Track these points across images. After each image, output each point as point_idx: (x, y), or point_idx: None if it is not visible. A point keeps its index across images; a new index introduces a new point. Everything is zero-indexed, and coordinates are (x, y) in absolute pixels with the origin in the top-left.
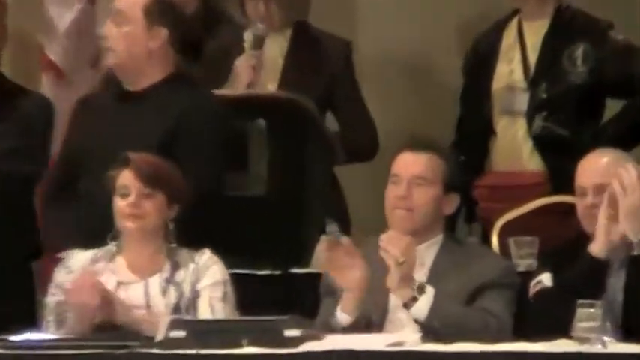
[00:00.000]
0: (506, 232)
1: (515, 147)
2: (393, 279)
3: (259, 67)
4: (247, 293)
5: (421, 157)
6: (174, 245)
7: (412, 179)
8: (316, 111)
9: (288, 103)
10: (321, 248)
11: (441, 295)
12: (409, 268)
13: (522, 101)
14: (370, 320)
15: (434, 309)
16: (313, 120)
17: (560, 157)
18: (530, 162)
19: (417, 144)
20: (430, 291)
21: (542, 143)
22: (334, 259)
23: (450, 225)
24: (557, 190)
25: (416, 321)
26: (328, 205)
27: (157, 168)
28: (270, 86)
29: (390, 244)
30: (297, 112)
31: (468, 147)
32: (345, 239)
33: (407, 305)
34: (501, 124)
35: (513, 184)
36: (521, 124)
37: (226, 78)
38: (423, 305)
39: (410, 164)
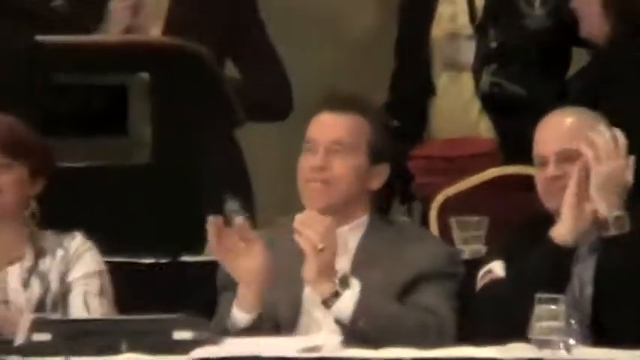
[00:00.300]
0: (447, 210)
1: (459, 108)
2: (309, 269)
3: (139, 7)
4: (129, 286)
5: (341, 118)
6: (37, 229)
7: (330, 145)
8: (212, 60)
9: (176, 51)
10: (210, 231)
11: (369, 290)
12: (330, 256)
13: (468, 52)
14: (277, 320)
15: (360, 307)
16: (207, 71)
17: (513, 120)
18: (478, 126)
19: (336, 102)
20: (355, 285)
21: (492, 103)
22: (225, 245)
23: (384, 205)
24: (510, 160)
25: (337, 322)
26: (227, 177)
27: (16, 132)
28: (153, 31)
29: (307, 226)
30: (187, 62)
31: (402, 109)
32: (239, 219)
33: (327, 302)
34: (443, 80)
35: (457, 154)
36: (466, 80)
37: (99, 20)
38: (346, 302)
39: (327, 127)
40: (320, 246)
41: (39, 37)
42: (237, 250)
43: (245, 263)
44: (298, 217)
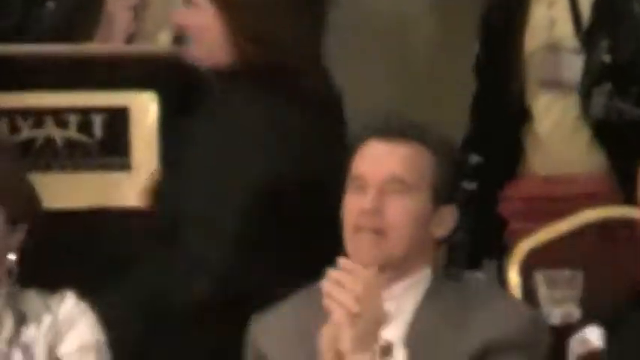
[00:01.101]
0: (532, 263)
1: (562, 138)
2: (344, 340)
3: (143, 9)
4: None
5: (399, 149)
6: (17, 288)
7: (385, 184)
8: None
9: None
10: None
11: None
12: (371, 323)
13: (572, 67)
14: None
15: None
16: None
17: (633, 152)
18: (588, 160)
19: (391, 129)
20: (401, 355)
21: (607, 131)
22: None
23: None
24: (630, 202)
25: None
26: None
27: None
28: (162, 37)
29: (339, 284)
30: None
31: (487, 139)
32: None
33: None
34: (540, 103)
35: (563, 194)
36: (571, 103)
37: (95, 24)
38: None
39: (380, 160)
40: (355, 309)
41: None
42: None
43: None
44: (330, 272)
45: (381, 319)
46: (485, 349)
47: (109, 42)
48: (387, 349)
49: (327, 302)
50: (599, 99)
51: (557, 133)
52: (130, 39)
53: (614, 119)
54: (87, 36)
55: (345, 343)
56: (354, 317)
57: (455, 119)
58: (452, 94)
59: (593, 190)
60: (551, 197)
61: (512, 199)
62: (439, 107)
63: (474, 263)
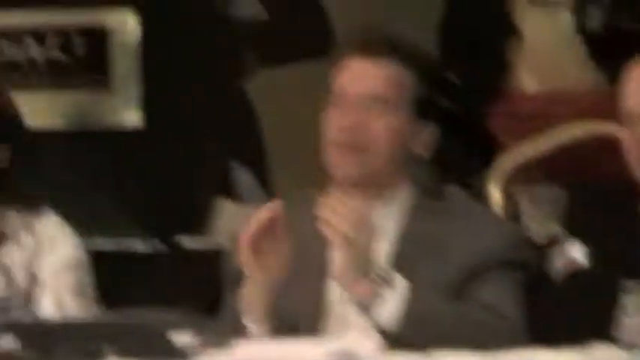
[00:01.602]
0: (514, 180)
1: (554, 54)
2: (340, 267)
3: None
4: (114, 278)
5: (379, 66)
6: None
7: (364, 100)
8: None
9: None
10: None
11: (416, 287)
12: (365, 247)
13: None
14: (296, 320)
15: (406, 310)
16: (209, 6)
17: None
18: (583, 76)
19: (372, 44)
20: (400, 283)
21: (603, 46)
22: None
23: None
24: None
25: (377, 328)
26: (235, 141)
27: None
28: None
29: (335, 212)
30: None
31: (467, 58)
32: (273, 205)
33: (364, 307)
34: (530, 18)
35: (555, 112)
36: (563, 18)
37: None
38: (389, 306)
39: (360, 77)
40: (352, 235)
41: None
42: (262, 246)
43: (267, 260)
44: (324, 200)
45: (371, 244)
46: (473, 269)
47: None
48: (386, 278)
49: (323, 227)
50: (597, 13)
51: (550, 49)
52: None
53: (611, 34)
54: None
55: (343, 268)
56: (349, 242)
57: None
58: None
59: (588, 107)
60: (543, 115)
61: (501, 115)
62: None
63: (464, 180)
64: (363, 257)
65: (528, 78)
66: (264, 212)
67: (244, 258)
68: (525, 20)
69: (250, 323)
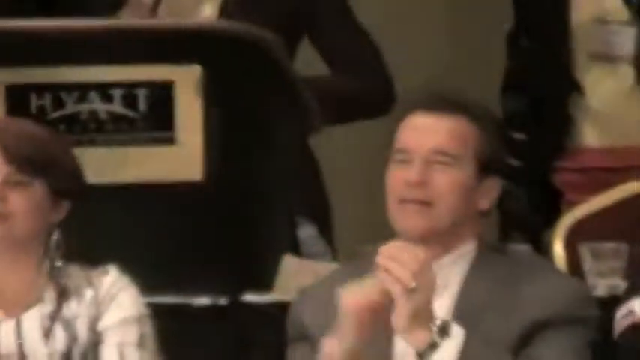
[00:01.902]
0: (578, 235)
1: (617, 109)
2: (400, 315)
3: None
4: (177, 333)
5: (443, 121)
6: (60, 262)
7: (430, 155)
8: (280, 48)
9: (236, 38)
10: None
11: (475, 340)
12: (425, 297)
13: (624, 40)
14: None
15: None
16: (275, 63)
17: None
18: None
19: (435, 101)
20: (458, 333)
21: None
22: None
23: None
24: None
25: None
26: (299, 197)
27: (39, 142)
28: (207, 10)
29: (395, 260)
30: (248, 52)
31: (533, 116)
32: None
33: (422, 355)
34: (592, 74)
35: (623, 165)
36: (624, 75)
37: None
38: (446, 355)
39: (425, 132)
40: (412, 285)
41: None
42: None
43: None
44: (384, 248)
45: (432, 294)
46: (534, 326)
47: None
48: (445, 328)
49: (383, 277)
50: None
51: (611, 105)
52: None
53: None
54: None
55: (402, 319)
56: (410, 292)
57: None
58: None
59: None
60: (609, 168)
61: (566, 170)
62: (476, 82)
63: (530, 237)
64: (422, 307)
65: (591, 133)
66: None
67: (352, 319)
68: (586, 76)
69: None
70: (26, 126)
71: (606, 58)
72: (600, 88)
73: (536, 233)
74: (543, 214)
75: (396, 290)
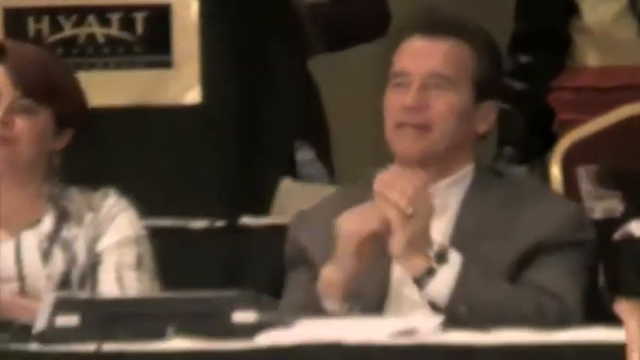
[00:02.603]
0: (574, 158)
1: (612, 29)
2: (397, 242)
3: None
4: (175, 255)
5: (439, 45)
6: (60, 186)
7: (427, 79)
8: None
9: None
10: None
11: (472, 266)
12: (423, 224)
13: None
14: (361, 299)
15: (459, 287)
16: None
17: None
18: (637, 52)
19: (433, 24)
20: (455, 260)
21: None
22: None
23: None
24: None
25: (432, 305)
26: (298, 120)
27: (47, 68)
28: None
29: (391, 186)
30: None
31: (536, 37)
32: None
33: (419, 282)
34: None
35: (613, 85)
36: None
37: None
38: (442, 282)
39: (422, 56)
40: (409, 211)
41: None
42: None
43: (367, 256)
44: (381, 176)
45: (430, 220)
46: (533, 249)
47: None
48: (442, 254)
49: (379, 203)
50: None
51: (607, 24)
52: None
53: None
54: None
55: (399, 245)
56: (407, 219)
57: (497, 19)
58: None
59: None
60: (601, 88)
61: (562, 89)
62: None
63: (525, 160)
64: (420, 233)
65: (587, 53)
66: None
67: (351, 247)
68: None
69: (328, 305)
70: (34, 51)
71: None
72: (595, 8)
73: (532, 155)
74: (542, 136)
75: (393, 217)
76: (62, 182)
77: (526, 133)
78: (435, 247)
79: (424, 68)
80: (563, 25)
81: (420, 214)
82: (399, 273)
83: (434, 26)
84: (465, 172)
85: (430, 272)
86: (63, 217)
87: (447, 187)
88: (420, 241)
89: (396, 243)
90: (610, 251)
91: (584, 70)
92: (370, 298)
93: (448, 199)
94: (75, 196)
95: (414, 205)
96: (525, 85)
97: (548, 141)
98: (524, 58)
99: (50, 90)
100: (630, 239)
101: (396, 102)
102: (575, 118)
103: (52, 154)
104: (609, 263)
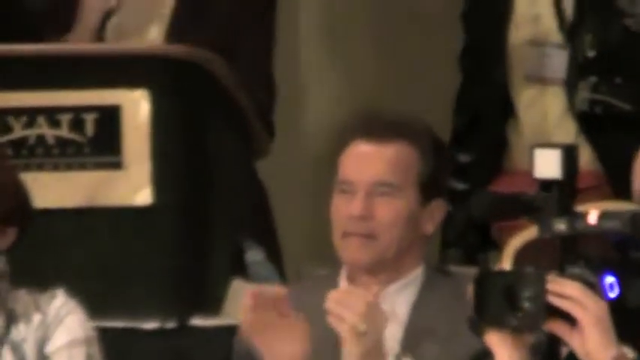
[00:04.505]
0: (524, 259)
1: (548, 131)
2: (351, 357)
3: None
4: (126, 357)
5: (384, 149)
6: (7, 287)
7: (372, 187)
8: (224, 69)
9: (182, 60)
10: (244, 302)
11: None
12: (376, 339)
13: (558, 63)
14: None
15: None
16: (219, 85)
17: (620, 146)
18: None
19: (377, 126)
20: None
21: (593, 125)
22: (258, 321)
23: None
24: (620, 196)
25: None
26: (247, 221)
27: None
28: (153, 32)
29: (343, 304)
30: (194, 74)
31: (475, 137)
32: (277, 289)
33: None
34: (525, 97)
35: None
36: (556, 97)
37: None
38: None
39: (367, 164)
40: (362, 328)
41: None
42: (274, 329)
43: (283, 347)
44: (332, 294)
45: (382, 336)
46: (483, 352)
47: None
48: None
49: (332, 320)
50: (585, 93)
51: (542, 127)
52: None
53: (600, 112)
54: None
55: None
56: (360, 335)
57: (438, 117)
58: (433, 90)
59: (583, 186)
60: None
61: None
62: (421, 103)
63: (470, 260)
64: (374, 348)
65: (522, 157)
66: (248, 298)
67: (248, 338)
68: (520, 98)
69: None
70: None
71: (540, 79)
72: (532, 110)
73: (475, 253)
74: (480, 236)
75: (346, 334)
76: (9, 283)
77: (468, 233)
78: (391, 358)
79: (369, 177)
80: (500, 126)
81: (373, 330)
82: None
83: (378, 128)
84: (415, 275)
85: None
86: (11, 320)
87: (396, 292)
88: (373, 355)
89: (350, 358)
90: (476, 284)
91: (519, 174)
92: None
93: (397, 303)
94: (22, 298)
95: (367, 321)
96: (466, 185)
97: (488, 240)
98: (463, 158)
99: None
100: (491, 272)
101: (341, 211)
102: (514, 224)
103: None
104: (476, 296)
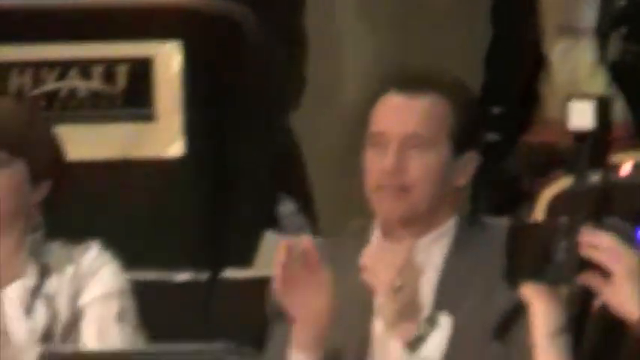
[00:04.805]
0: (558, 211)
1: (580, 82)
2: (387, 313)
3: None
4: (157, 309)
5: (416, 102)
6: (41, 239)
7: (405, 140)
8: (255, 24)
9: (214, 14)
10: (278, 255)
11: (464, 328)
12: (411, 294)
13: (589, 13)
14: (341, 357)
15: (452, 351)
16: (252, 42)
17: None
18: None
19: (409, 79)
20: (445, 323)
21: (625, 75)
22: (289, 278)
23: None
24: None
25: None
26: (280, 173)
27: (18, 120)
28: None
29: (377, 261)
30: (227, 28)
31: (505, 89)
32: (305, 240)
33: (411, 346)
34: (557, 48)
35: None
36: (588, 48)
37: None
38: (434, 347)
39: (400, 116)
40: (398, 283)
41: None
42: (298, 281)
43: (306, 299)
44: (366, 251)
45: (418, 290)
46: (515, 307)
47: None
48: (432, 319)
49: (367, 276)
50: (618, 43)
51: (574, 78)
52: None
53: (631, 62)
54: None
55: (389, 316)
56: (395, 291)
57: (471, 69)
58: (467, 43)
59: (613, 136)
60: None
61: (527, 145)
62: (453, 57)
63: (498, 211)
64: (410, 302)
65: (554, 107)
66: (281, 249)
67: (279, 294)
68: (551, 48)
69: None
70: (5, 105)
71: (572, 31)
72: (564, 61)
73: (514, 205)
74: (512, 187)
75: (381, 290)
76: (43, 235)
77: (500, 184)
78: (425, 314)
79: (402, 130)
80: (532, 78)
81: (409, 285)
82: (381, 329)
83: (411, 81)
84: (448, 227)
85: (421, 338)
86: (45, 272)
87: (429, 244)
88: (409, 310)
89: (386, 314)
90: (509, 237)
91: (551, 125)
92: (350, 352)
93: (432, 254)
94: (56, 250)
95: (402, 277)
96: (497, 136)
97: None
98: (495, 110)
99: (24, 144)
100: (525, 224)
101: (374, 164)
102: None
103: (30, 207)
104: (510, 249)
